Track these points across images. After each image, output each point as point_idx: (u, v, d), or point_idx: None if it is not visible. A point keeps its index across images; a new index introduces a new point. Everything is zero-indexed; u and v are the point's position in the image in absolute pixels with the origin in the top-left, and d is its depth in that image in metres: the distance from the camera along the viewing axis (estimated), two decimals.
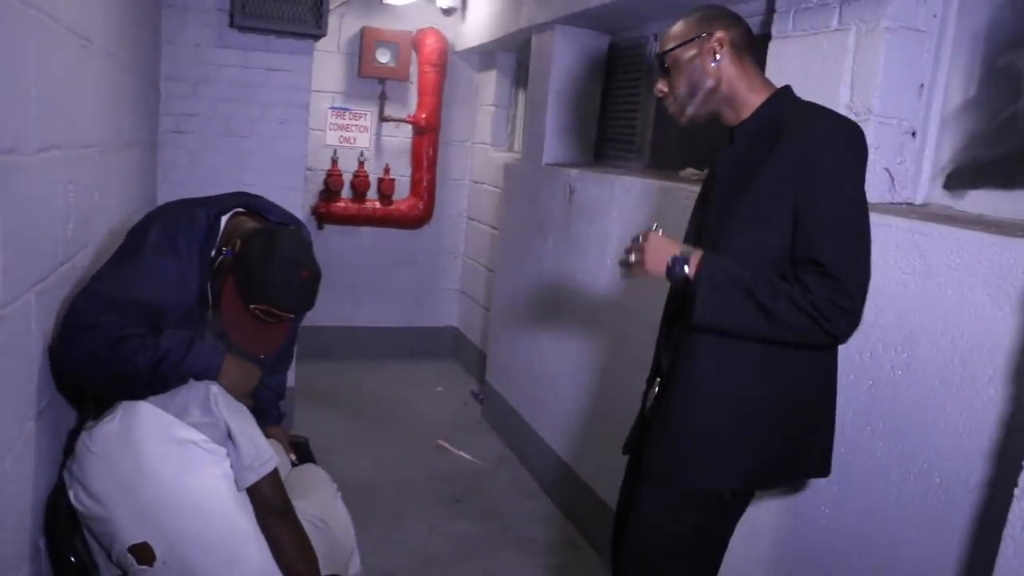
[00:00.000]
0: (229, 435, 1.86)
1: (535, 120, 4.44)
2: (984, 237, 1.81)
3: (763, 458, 1.90)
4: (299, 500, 2.04)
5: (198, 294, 2.05)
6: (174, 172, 4.21)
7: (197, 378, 1.90)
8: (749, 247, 1.80)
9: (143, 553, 1.80)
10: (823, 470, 2.00)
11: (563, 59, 4.22)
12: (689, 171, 3.32)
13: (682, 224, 2.88)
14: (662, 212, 3.08)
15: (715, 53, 1.88)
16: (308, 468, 2.41)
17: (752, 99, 1.90)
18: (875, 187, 2.26)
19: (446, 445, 4.54)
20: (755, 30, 2.95)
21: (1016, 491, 1.46)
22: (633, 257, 1.85)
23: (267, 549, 1.87)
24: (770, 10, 2.66)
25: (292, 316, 2.04)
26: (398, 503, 3.80)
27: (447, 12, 5.74)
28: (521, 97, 5.62)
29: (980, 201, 2.15)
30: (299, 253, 1.99)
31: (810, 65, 2.40)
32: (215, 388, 1.90)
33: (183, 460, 1.82)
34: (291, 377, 4.54)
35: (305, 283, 1.99)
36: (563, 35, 4.18)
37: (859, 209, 1.76)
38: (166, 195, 4.18)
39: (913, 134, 2.28)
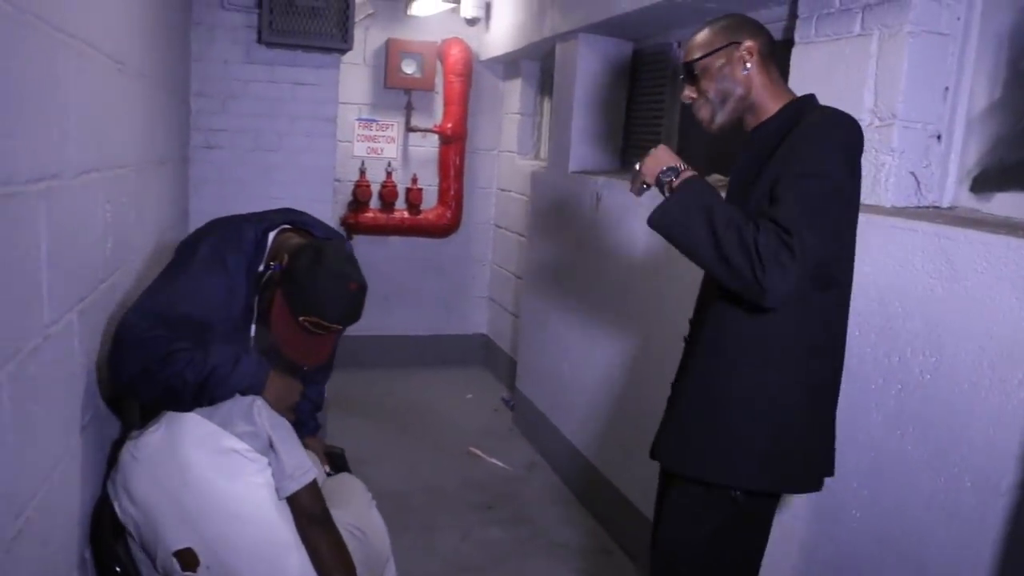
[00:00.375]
0: (271, 445, 1.91)
1: (561, 128, 4.47)
2: (1011, 241, 1.81)
3: (770, 459, 1.90)
4: (336, 509, 2.08)
5: (245, 309, 2.10)
6: (204, 187, 4.28)
7: (243, 393, 1.95)
8: None
9: (187, 559, 1.84)
10: (829, 471, 2.01)
11: (587, 67, 4.24)
12: (715, 177, 3.32)
13: None
14: None
15: (745, 62, 1.92)
16: (343, 478, 2.45)
17: (772, 106, 1.94)
18: (901, 191, 2.26)
19: (478, 452, 4.57)
20: (777, 36, 2.96)
21: None
22: (638, 165, 1.92)
23: (307, 558, 1.92)
24: (792, 16, 2.67)
25: (340, 328, 2.07)
26: (430, 510, 3.83)
27: (471, 22, 5.77)
28: (546, 105, 5.65)
29: (1007, 203, 2.14)
30: (346, 266, 2.03)
31: (833, 70, 2.41)
32: (259, 401, 1.95)
33: (227, 468, 1.88)
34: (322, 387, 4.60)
35: (353, 295, 2.04)
36: (587, 43, 4.21)
37: (830, 184, 1.72)
38: (197, 210, 4.26)
39: (938, 137, 2.28)
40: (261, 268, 2.13)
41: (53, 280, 1.46)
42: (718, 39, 1.94)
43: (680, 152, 3.79)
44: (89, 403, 1.81)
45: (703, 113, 1.99)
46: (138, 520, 1.87)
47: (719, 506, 1.95)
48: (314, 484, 1.97)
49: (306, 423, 2.50)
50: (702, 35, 1.97)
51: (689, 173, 1.84)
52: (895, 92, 2.23)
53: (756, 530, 2.04)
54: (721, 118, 1.96)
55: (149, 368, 1.86)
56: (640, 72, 4.25)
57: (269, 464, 1.92)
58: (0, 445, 1.21)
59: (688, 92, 2.00)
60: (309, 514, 1.94)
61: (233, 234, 2.13)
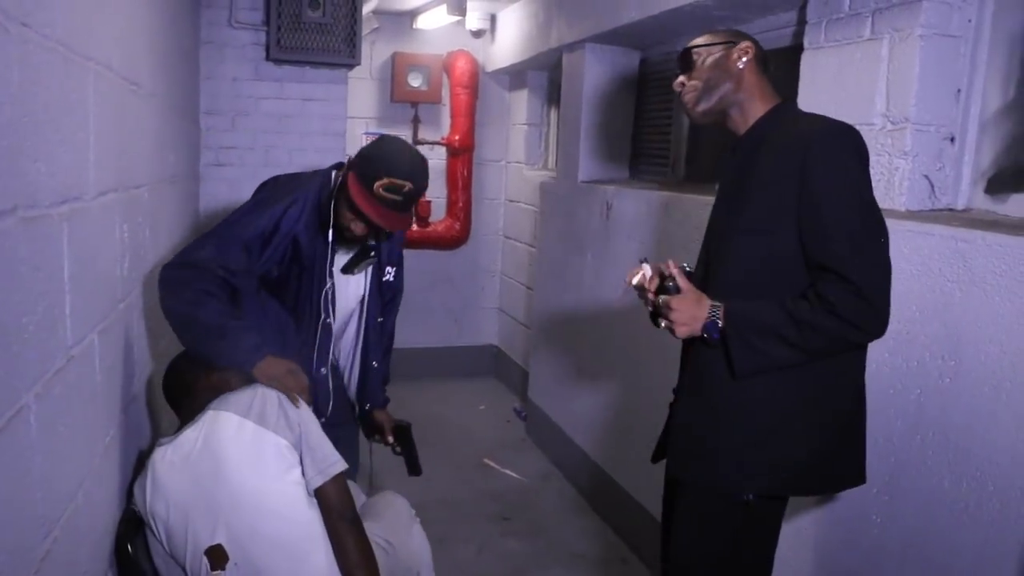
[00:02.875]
0: (302, 438, 1.97)
1: (569, 138, 4.47)
2: None
3: (784, 465, 1.91)
4: (369, 522, 2.11)
5: (313, 227, 2.40)
6: (215, 204, 4.30)
7: (237, 365, 2.07)
8: (755, 257, 1.87)
9: (217, 556, 1.88)
10: (858, 479, 2.00)
11: (594, 77, 4.25)
12: None
13: None
14: (699, 227, 3.08)
15: (740, 58, 1.96)
16: (386, 495, 2.49)
17: (758, 110, 1.97)
18: (915, 194, 2.26)
19: (492, 463, 4.57)
20: (786, 41, 2.97)
21: None
22: (664, 324, 1.91)
23: (333, 556, 1.95)
24: (801, 21, 2.68)
25: (411, 185, 2.27)
26: (447, 522, 3.82)
27: (477, 34, 5.80)
28: (553, 115, 5.66)
29: (1023, 204, 2.14)
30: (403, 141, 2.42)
31: (844, 75, 2.41)
32: (281, 394, 2.01)
33: (261, 464, 1.93)
34: None
35: (414, 153, 2.37)
36: (594, 53, 4.22)
37: (864, 208, 1.79)
38: (208, 226, 4.27)
39: (952, 140, 2.28)
40: (332, 184, 2.43)
41: (75, 301, 1.47)
42: (719, 36, 2.01)
43: (689, 161, 3.81)
44: (111, 423, 1.82)
45: (688, 96, 2.01)
46: (170, 523, 1.90)
47: (733, 512, 1.95)
48: (341, 478, 2.00)
49: (376, 396, 2.72)
50: (703, 36, 2.04)
51: (722, 312, 1.84)
52: (907, 95, 2.23)
53: (768, 533, 2.04)
54: (705, 105, 1.99)
55: (187, 287, 2.11)
56: (647, 81, 4.26)
57: (300, 460, 1.96)
58: (29, 466, 1.22)
59: (680, 79, 2.04)
60: (337, 510, 1.97)
61: (300, 175, 2.56)
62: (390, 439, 2.71)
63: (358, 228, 2.37)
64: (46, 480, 1.30)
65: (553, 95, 5.60)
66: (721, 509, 1.96)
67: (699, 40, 2.03)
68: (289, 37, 4.13)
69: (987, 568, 1.88)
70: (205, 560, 1.88)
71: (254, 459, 1.92)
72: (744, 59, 1.95)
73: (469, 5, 5.32)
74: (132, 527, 1.90)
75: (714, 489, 1.96)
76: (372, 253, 2.52)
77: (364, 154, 2.33)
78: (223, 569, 1.88)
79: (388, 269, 2.66)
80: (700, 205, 3.12)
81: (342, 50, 4.23)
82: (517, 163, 5.98)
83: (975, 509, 1.91)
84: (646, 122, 4.26)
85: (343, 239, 2.43)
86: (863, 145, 1.82)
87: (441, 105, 5.91)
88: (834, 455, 1.94)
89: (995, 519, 1.86)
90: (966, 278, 1.94)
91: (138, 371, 2.19)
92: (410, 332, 6.11)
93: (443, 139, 5.88)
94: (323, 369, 2.56)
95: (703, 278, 1.98)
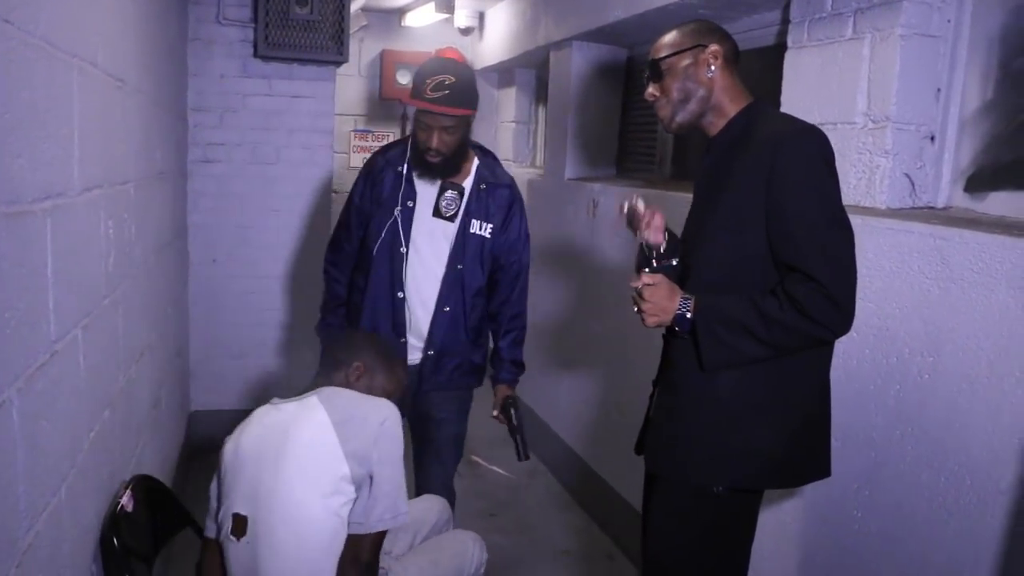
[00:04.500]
0: (370, 480, 1.93)
1: (556, 136, 4.49)
2: (1006, 240, 1.82)
3: (753, 458, 1.92)
4: (417, 556, 2.23)
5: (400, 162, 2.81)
6: (203, 200, 4.30)
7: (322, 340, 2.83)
8: (728, 254, 1.91)
9: (239, 525, 1.94)
10: (823, 472, 2.02)
11: (581, 75, 4.27)
12: None
13: None
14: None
15: (709, 64, 1.95)
16: (456, 535, 2.52)
17: (731, 110, 1.98)
18: (896, 192, 2.28)
19: (479, 460, 4.58)
20: (770, 40, 2.99)
21: None
22: (636, 309, 1.95)
23: None
24: (785, 20, 2.69)
25: (453, 78, 2.58)
26: None
27: (465, 32, 5.81)
28: (541, 113, 5.67)
29: (1002, 202, 2.16)
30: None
31: (826, 74, 2.43)
32: (389, 422, 1.97)
33: (314, 478, 1.91)
34: None
35: (452, 60, 2.74)
36: (581, 51, 4.23)
37: (829, 209, 1.82)
38: (196, 223, 4.28)
39: (932, 138, 2.30)
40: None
41: (59, 296, 1.48)
42: (685, 40, 1.97)
43: (675, 158, 3.83)
44: (94, 419, 1.83)
45: (664, 112, 2.01)
46: (230, 466, 1.99)
47: (705, 506, 1.96)
48: (380, 535, 1.97)
49: (498, 368, 2.98)
50: (669, 36, 2.01)
51: (692, 305, 1.88)
52: (888, 94, 2.25)
53: (743, 527, 2.05)
54: (681, 117, 1.99)
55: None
56: (634, 79, 4.27)
57: (356, 498, 1.93)
58: (11, 461, 1.23)
59: (651, 90, 2.02)
60: (356, 557, 1.94)
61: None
62: (494, 413, 2.92)
63: (426, 137, 2.63)
64: (29, 474, 1.31)
65: (541, 93, 5.61)
66: (693, 502, 1.97)
67: (665, 44, 2.00)
68: (277, 34, 4.13)
69: (965, 561, 1.90)
70: (230, 521, 1.95)
71: (310, 470, 1.91)
72: (714, 67, 1.95)
73: (457, 3, 5.33)
74: (118, 522, 1.91)
75: (685, 482, 1.98)
76: (450, 190, 2.75)
77: (413, 78, 2.70)
78: (237, 540, 1.93)
79: (475, 222, 2.78)
80: (686, 202, 3.12)
81: (330, 47, 4.23)
82: (505, 160, 5.97)
83: (953, 503, 1.93)
84: (632, 120, 4.28)
85: (423, 165, 2.71)
86: (829, 147, 1.85)
87: None
88: (801, 448, 1.96)
89: (972, 513, 1.89)
90: (944, 275, 1.96)
91: (124, 367, 2.19)
92: None
93: None
94: (400, 293, 2.79)
95: (680, 275, 2.00)
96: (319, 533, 1.91)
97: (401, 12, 5.67)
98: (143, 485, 2.14)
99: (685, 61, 1.96)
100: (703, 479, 1.94)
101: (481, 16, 5.67)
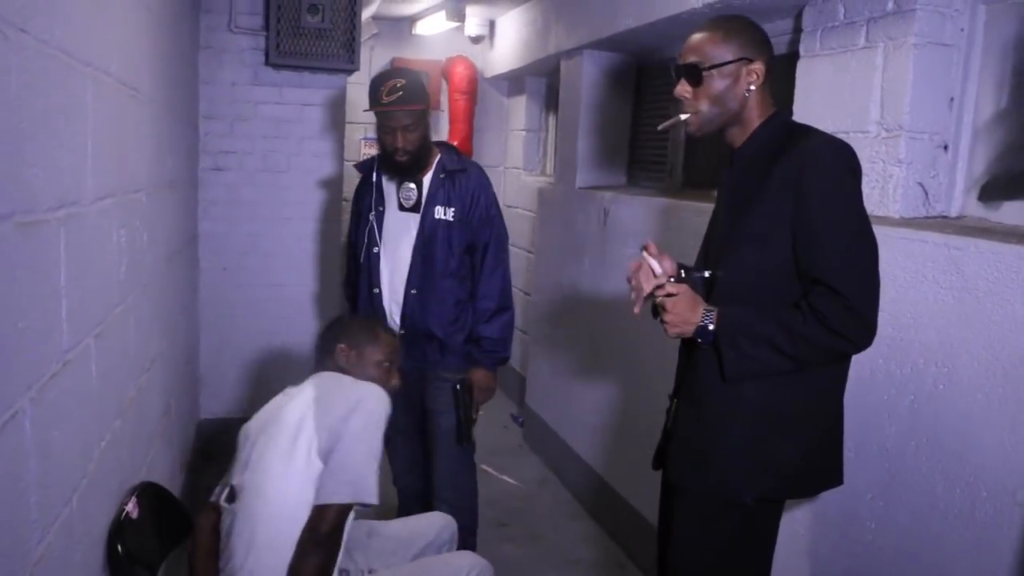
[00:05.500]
0: (334, 451, 1.99)
1: (567, 144, 4.49)
2: (1021, 250, 1.82)
3: (781, 468, 1.91)
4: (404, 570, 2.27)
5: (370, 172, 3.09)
6: (214, 208, 4.31)
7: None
8: (753, 265, 1.89)
9: (231, 493, 2.06)
10: (838, 479, 2.01)
11: (592, 83, 4.26)
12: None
13: None
14: (696, 233, 3.09)
15: (750, 85, 1.91)
16: (454, 556, 2.49)
17: (756, 122, 1.95)
18: (909, 201, 2.27)
19: (488, 469, 4.56)
20: (782, 49, 2.98)
21: None
22: (658, 319, 1.97)
23: None
24: (797, 29, 2.69)
25: (403, 80, 2.81)
26: None
27: (475, 40, 5.82)
28: (552, 121, 5.67)
29: (1016, 212, 2.15)
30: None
31: (839, 83, 2.43)
32: (366, 403, 2.06)
33: (287, 451, 2.00)
34: None
35: (398, 67, 3.07)
36: (591, 59, 4.23)
37: (856, 222, 1.81)
38: (207, 231, 4.29)
39: (945, 147, 2.29)
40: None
41: (71, 305, 1.47)
42: (729, 50, 1.91)
43: (686, 167, 3.82)
44: (105, 428, 1.83)
45: (692, 121, 1.97)
46: (240, 443, 2.14)
47: (731, 516, 1.95)
48: (342, 510, 2.01)
49: (472, 352, 3.03)
50: (712, 39, 1.93)
51: (714, 317, 1.86)
52: (901, 103, 2.24)
53: (767, 536, 2.05)
54: (708, 128, 1.97)
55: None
56: (645, 87, 4.27)
57: (322, 468, 2.00)
58: (23, 471, 1.22)
59: (682, 89, 1.97)
60: (318, 530, 1.97)
61: None
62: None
63: (391, 139, 2.84)
64: (41, 484, 1.31)
65: (551, 101, 5.61)
66: (719, 513, 1.96)
67: (709, 50, 1.92)
68: (288, 42, 4.14)
69: (981, 573, 1.88)
70: (228, 489, 2.06)
71: (289, 442, 2.00)
72: (753, 86, 1.91)
73: (468, 11, 5.34)
74: (123, 528, 1.90)
75: (712, 494, 1.96)
76: (406, 182, 2.96)
77: (368, 90, 2.89)
78: (228, 506, 2.04)
79: (438, 208, 2.96)
80: (697, 212, 3.13)
81: (341, 55, 4.24)
82: (515, 169, 5.98)
83: (968, 514, 1.92)
84: (643, 128, 4.27)
85: (392, 167, 2.94)
86: (856, 159, 1.84)
87: (440, 111, 5.93)
88: (822, 457, 1.96)
89: (988, 524, 1.87)
90: (959, 285, 1.95)
91: (135, 375, 2.20)
92: None
93: None
94: (375, 289, 2.99)
95: (705, 286, 1.99)
96: (290, 505, 1.98)
97: (412, 20, 5.68)
98: (149, 492, 2.14)
99: (726, 77, 1.91)
100: (732, 491, 1.93)
101: (492, 24, 5.68)
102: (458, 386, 2.98)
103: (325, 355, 2.31)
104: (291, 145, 4.41)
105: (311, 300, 4.57)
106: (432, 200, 2.96)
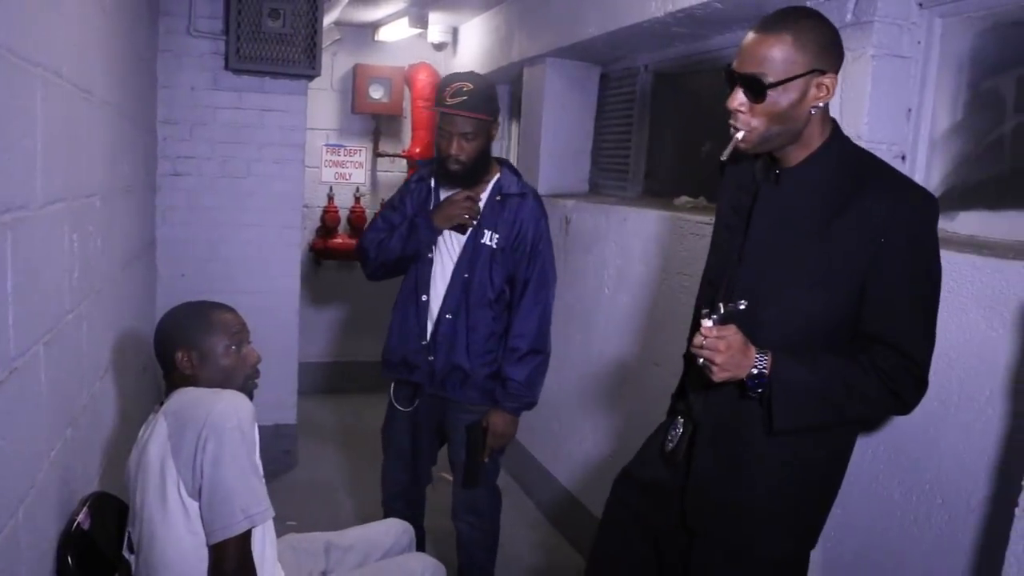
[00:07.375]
0: (204, 488, 1.78)
1: (529, 152, 4.49)
2: (976, 259, 1.84)
3: (818, 525, 1.91)
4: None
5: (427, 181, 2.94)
6: (173, 214, 4.25)
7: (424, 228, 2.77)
8: (807, 309, 1.74)
9: (130, 542, 1.91)
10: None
11: (555, 91, 4.27)
12: (684, 199, 3.35)
13: (679, 250, 2.91)
14: (658, 240, 3.11)
15: (819, 100, 1.67)
16: (410, 558, 2.41)
17: (816, 143, 1.74)
18: None
19: (447, 476, 4.53)
20: None
21: (1016, 510, 1.48)
22: (701, 362, 1.71)
23: None
24: None
25: (470, 85, 2.69)
26: None
27: (438, 47, 5.81)
28: (515, 128, 5.67)
29: (971, 222, 2.18)
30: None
31: None
32: (215, 419, 1.78)
33: (161, 499, 1.80)
34: (292, 414, 4.56)
35: (470, 71, 2.88)
36: (554, 67, 4.24)
37: (932, 285, 1.70)
38: (166, 237, 4.23)
39: (903, 158, 2.31)
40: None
41: (19, 312, 1.43)
42: (801, 61, 1.63)
43: (648, 175, 3.83)
44: (56, 437, 1.78)
45: (747, 137, 1.71)
46: (127, 478, 1.94)
47: (768, 572, 1.90)
48: (241, 540, 1.79)
49: (495, 392, 2.82)
50: (780, 44, 1.63)
51: (767, 364, 1.68)
52: (860, 114, 2.26)
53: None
54: (763, 148, 1.75)
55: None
56: (608, 95, 4.29)
57: (200, 509, 1.80)
58: None
59: (738, 104, 1.69)
60: (223, 570, 1.79)
61: None
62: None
63: (447, 144, 2.70)
64: None
65: (515, 109, 5.61)
66: (754, 569, 1.88)
67: (776, 59, 1.62)
68: (248, 47, 4.09)
69: None
70: (127, 539, 1.92)
71: (159, 488, 1.80)
72: (822, 103, 1.67)
73: (431, 18, 5.33)
74: (74, 539, 1.86)
75: (749, 548, 1.86)
76: (472, 211, 2.76)
77: (436, 88, 2.91)
78: (130, 557, 1.90)
79: (486, 232, 2.79)
80: (657, 219, 3.14)
81: (302, 61, 4.20)
82: None
83: (924, 521, 1.94)
84: (606, 136, 4.28)
85: (444, 175, 2.79)
86: (938, 213, 1.71)
87: (402, 117, 5.91)
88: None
89: (943, 531, 1.89)
90: None
91: (87, 383, 2.15)
92: (368, 345, 6.04)
93: (404, 152, 5.86)
94: (424, 296, 2.87)
95: (748, 321, 1.72)
96: (186, 550, 1.80)
97: (374, 27, 5.66)
98: (102, 502, 2.09)
99: (792, 92, 1.64)
100: (777, 551, 1.85)
101: (455, 31, 5.67)
102: (473, 434, 2.84)
103: (168, 370, 2.00)
104: (251, 151, 4.36)
105: (272, 307, 4.51)
106: (482, 223, 2.78)
